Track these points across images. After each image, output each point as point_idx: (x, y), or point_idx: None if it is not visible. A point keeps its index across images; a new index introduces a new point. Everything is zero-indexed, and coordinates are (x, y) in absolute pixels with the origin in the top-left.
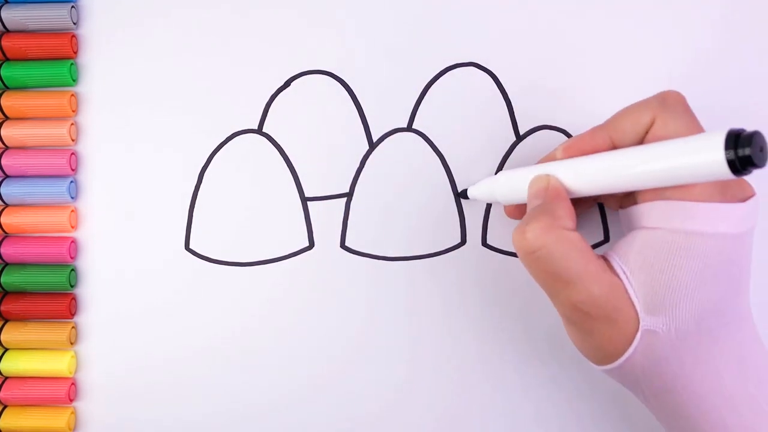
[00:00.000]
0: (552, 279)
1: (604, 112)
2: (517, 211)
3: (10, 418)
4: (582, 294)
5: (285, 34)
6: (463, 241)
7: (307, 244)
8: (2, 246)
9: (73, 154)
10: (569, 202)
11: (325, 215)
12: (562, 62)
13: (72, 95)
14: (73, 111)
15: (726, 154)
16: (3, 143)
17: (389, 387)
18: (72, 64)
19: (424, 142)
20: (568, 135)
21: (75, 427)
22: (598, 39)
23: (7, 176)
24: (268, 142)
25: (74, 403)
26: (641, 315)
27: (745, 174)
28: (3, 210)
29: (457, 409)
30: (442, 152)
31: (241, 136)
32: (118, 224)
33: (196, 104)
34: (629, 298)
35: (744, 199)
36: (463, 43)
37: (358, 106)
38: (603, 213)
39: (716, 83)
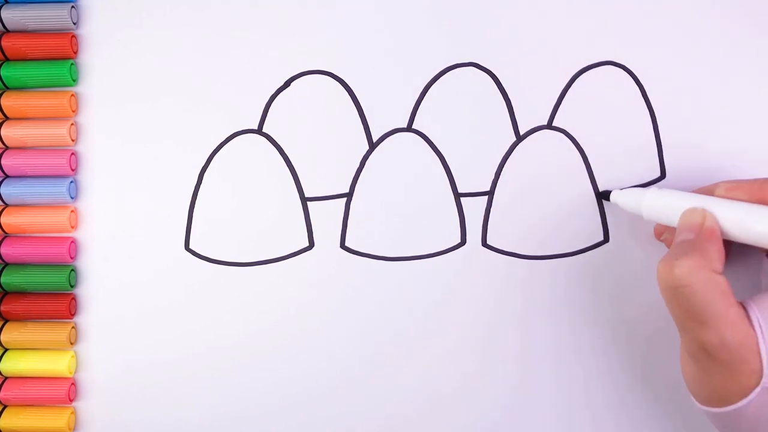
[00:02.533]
0: (688, 316)
1: (604, 112)
2: (666, 231)
3: (10, 418)
4: (715, 337)
5: (285, 34)
6: (463, 241)
7: (307, 244)
8: (2, 246)
9: (73, 154)
10: (722, 243)
11: (325, 215)
12: (563, 62)
13: (72, 95)
14: (73, 111)
15: None
16: (3, 143)
17: (389, 387)
18: (72, 64)
19: (424, 142)
20: (569, 135)
21: (75, 427)
22: (599, 39)
23: (7, 176)
24: (268, 142)
25: (74, 403)
26: (766, 372)
27: None
28: (3, 210)
29: (457, 409)
30: (442, 152)
31: (241, 136)
32: (118, 224)
33: (196, 104)
34: (758, 353)
35: None
36: (463, 43)
37: (358, 106)
38: (603, 213)
39: None
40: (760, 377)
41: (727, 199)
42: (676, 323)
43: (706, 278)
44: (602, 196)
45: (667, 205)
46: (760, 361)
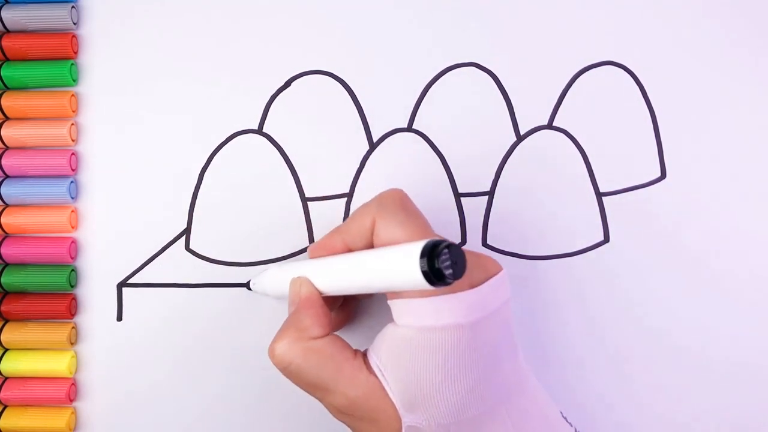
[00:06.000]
0: (311, 388)
1: (604, 112)
2: None
3: (10, 418)
4: (340, 399)
5: (285, 34)
6: (463, 241)
7: (307, 244)
8: (2, 246)
9: (73, 154)
10: (319, 306)
11: (325, 215)
12: (563, 62)
13: (72, 95)
14: (73, 111)
15: (420, 265)
16: (3, 143)
17: None
18: (72, 64)
19: (424, 142)
20: (569, 135)
21: (75, 427)
22: (599, 39)
23: (7, 176)
24: (268, 142)
25: (74, 403)
26: (401, 412)
27: (443, 284)
28: (3, 210)
29: None
30: (442, 152)
31: (241, 136)
32: (118, 224)
33: (196, 104)
34: (387, 397)
35: (483, 281)
36: (463, 43)
37: (358, 106)
38: (603, 213)
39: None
40: (399, 420)
41: (314, 260)
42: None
43: (304, 349)
44: (246, 287)
45: (278, 282)
46: (392, 404)
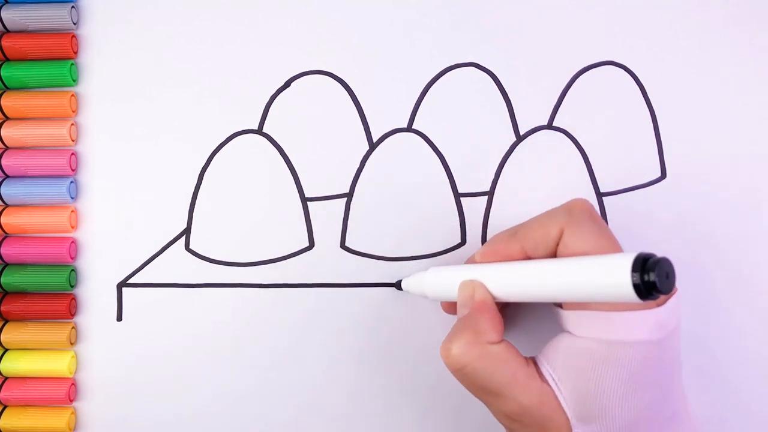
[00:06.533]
0: (482, 392)
1: (604, 112)
2: (452, 307)
3: (10, 418)
4: (512, 405)
5: (285, 34)
6: (463, 241)
7: (307, 244)
8: (2, 246)
9: (73, 154)
10: (494, 311)
11: (325, 215)
12: (563, 62)
13: (72, 95)
14: (73, 111)
15: (632, 278)
16: (3, 143)
17: (390, 388)
18: (72, 64)
19: (424, 142)
20: (569, 135)
21: (75, 427)
22: (599, 39)
23: (7, 176)
24: (268, 142)
25: (74, 403)
26: (573, 422)
27: (652, 299)
28: (3, 210)
29: (458, 409)
30: (442, 152)
31: (241, 136)
32: (118, 224)
33: (196, 104)
34: (560, 406)
35: (665, 301)
36: (463, 43)
37: (358, 106)
38: (603, 213)
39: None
40: (570, 430)
41: (490, 264)
42: (479, 400)
43: (482, 352)
44: (396, 287)
45: (443, 283)
46: (564, 413)
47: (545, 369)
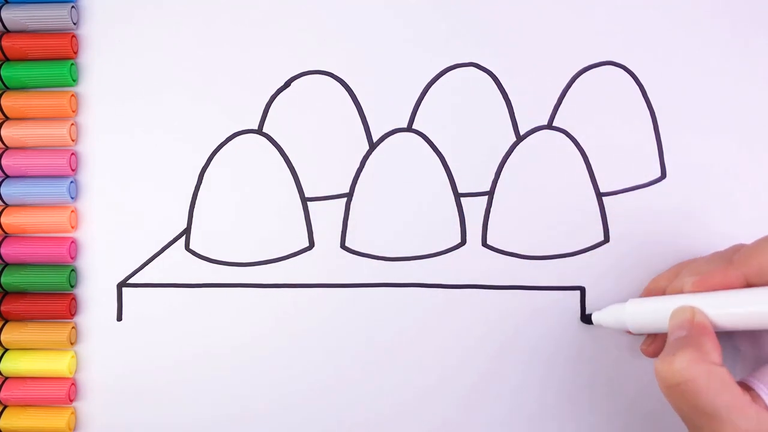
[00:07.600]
0: (697, 413)
1: (604, 112)
2: (653, 348)
3: (10, 418)
4: (728, 429)
5: (285, 34)
6: (463, 241)
7: (307, 244)
8: (2, 246)
9: (73, 154)
10: (715, 336)
11: (325, 215)
12: (563, 62)
13: (72, 95)
14: (73, 111)
15: None
16: (3, 143)
17: (390, 388)
18: (72, 64)
19: (424, 142)
20: (569, 135)
21: (75, 427)
22: (599, 39)
23: (7, 176)
24: (268, 142)
25: (74, 403)
26: None
27: None
28: (3, 210)
29: (458, 409)
30: (442, 152)
31: (241, 136)
32: (118, 224)
33: (196, 104)
34: None
35: None
36: (463, 43)
37: (358, 106)
38: (603, 213)
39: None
40: None
41: (704, 293)
42: (685, 422)
43: (706, 370)
44: (585, 320)
45: (649, 311)
46: None
47: (763, 393)
